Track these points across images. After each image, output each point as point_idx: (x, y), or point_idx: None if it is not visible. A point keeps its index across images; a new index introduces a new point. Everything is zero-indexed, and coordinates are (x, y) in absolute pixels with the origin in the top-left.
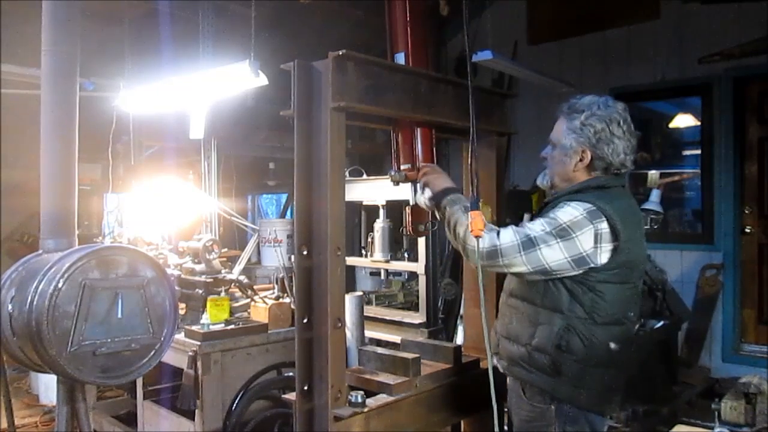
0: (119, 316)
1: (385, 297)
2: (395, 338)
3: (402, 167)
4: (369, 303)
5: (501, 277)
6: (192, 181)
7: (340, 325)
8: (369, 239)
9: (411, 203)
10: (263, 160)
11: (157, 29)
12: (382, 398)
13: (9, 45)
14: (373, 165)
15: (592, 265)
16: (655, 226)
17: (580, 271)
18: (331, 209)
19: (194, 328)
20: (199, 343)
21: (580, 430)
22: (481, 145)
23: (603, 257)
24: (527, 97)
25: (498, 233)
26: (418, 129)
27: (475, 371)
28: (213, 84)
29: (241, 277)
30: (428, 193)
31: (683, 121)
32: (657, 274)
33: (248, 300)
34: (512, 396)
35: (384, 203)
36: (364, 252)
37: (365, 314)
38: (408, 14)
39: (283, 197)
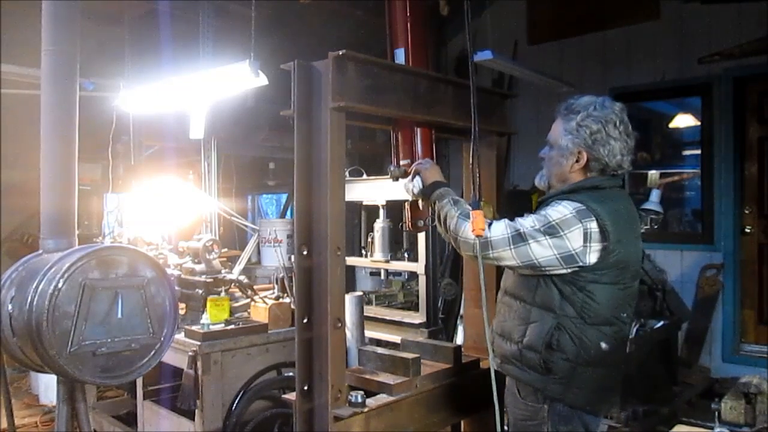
0: (119, 316)
1: (385, 297)
2: (395, 338)
3: (401, 163)
4: (369, 303)
5: (500, 277)
6: (192, 181)
7: (340, 325)
8: (369, 239)
9: (410, 199)
10: (263, 160)
11: (157, 29)
12: (382, 398)
13: (9, 45)
14: (373, 165)
15: (581, 264)
16: (655, 226)
17: (569, 270)
18: (331, 209)
19: (194, 328)
20: (199, 343)
21: (574, 429)
22: (481, 145)
23: (592, 257)
24: (527, 97)
25: (490, 225)
26: (418, 126)
27: (475, 371)
28: (213, 84)
29: (241, 277)
30: (418, 182)
31: (683, 121)
32: (657, 274)
33: (248, 300)
34: (508, 395)
35: (384, 203)
36: (364, 252)
37: (365, 314)
38: (408, 10)
39: (283, 197)
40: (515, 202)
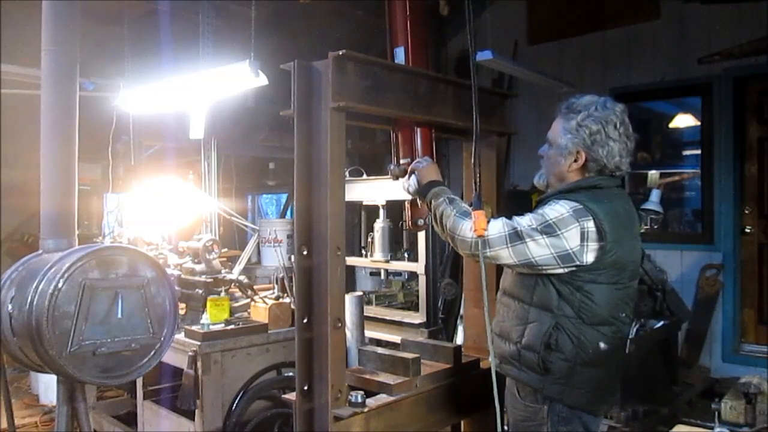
0: (119, 316)
1: (385, 297)
2: (395, 338)
3: (401, 162)
4: (369, 303)
5: (500, 277)
6: (192, 181)
7: (340, 325)
8: (369, 239)
9: (410, 198)
10: (263, 160)
11: (157, 29)
12: (382, 398)
13: (9, 45)
14: (373, 165)
15: (578, 263)
16: (655, 226)
17: (567, 270)
18: (331, 209)
19: (194, 328)
20: (199, 343)
21: (573, 430)
22: (481, 145)
23: (589, 256)
24: (527, 97)
25: (487, 223)
26: (418, 125)
27: (475, 371)
28: (213, 84)
29: (241, 277)
30: (414, 181)
31: (683, 121)
32: (657, 274)
33: (248, 300)
34: (507, 395)
35: (384, 203)
36: (364, 252)
37: (365, 314)
38: (408, 9)
39: (283, 197)
40: (515, 202)
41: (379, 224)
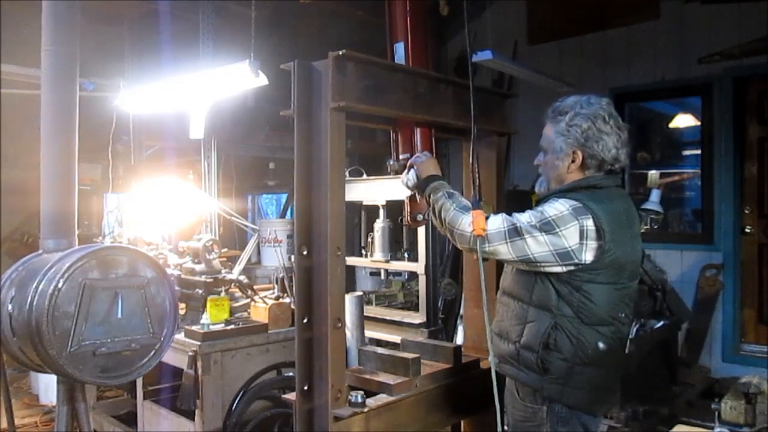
0: (119, 316)
1: (385, 297)
2: (395, 338)
3: (401, 157)
4: (369, 303)
5: (500, 277)
6: (192, 181)
7: (340, 325)
8: (369, 239)
9: (409, 193)
10: (263, 160)
11: (157, 29)
12: (382, 398)
13: (9, 45)
14: (373, 165)
15: (577, 261)
16: (655, 226)
17: (565, 268)
18: (331, 209)
19: (194, 328)
20: (199, 343)
21: (572, 430)
22: (481, 145)
23: (588, 255)
24: (527, 97)
25: (487, 219)
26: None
27: (475, 371)
28: (213, 84)
29: (241, 277)
30: (413, 176)
31: (683, 121)
32: (657, 274)
33: (248, 300)
34: (507, 396)
35: (384, 203)
36: (364, 252)
37: (365, 314)
38: (408, 4)
39: (283, 197)
40: (515, 202)
41: (379, 224)
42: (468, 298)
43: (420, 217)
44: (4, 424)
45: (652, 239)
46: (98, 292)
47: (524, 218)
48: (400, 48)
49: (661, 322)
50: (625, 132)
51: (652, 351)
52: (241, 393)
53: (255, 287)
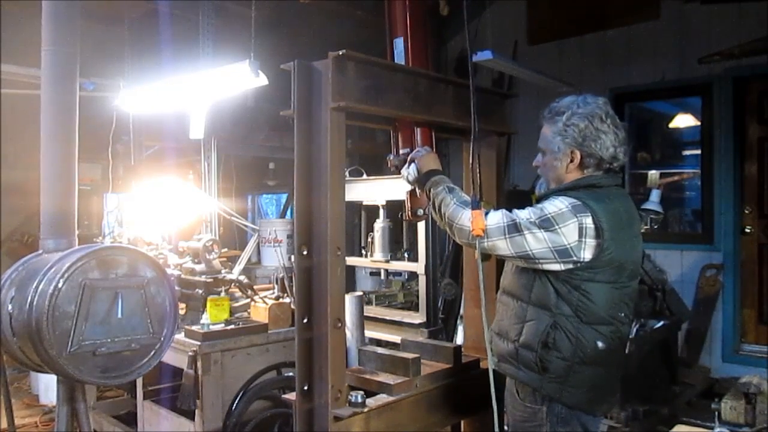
0: (119, 316)
1: (385, 297)
2: (395, 338)
3: (401, 152)
4: (369, 303)
5: (500, 276)
6: (192, 181)
7: (340, 325)
8: (369, 239)
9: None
10: (263, 160)
11: (157, 29)
12: (382, 398)
13: (9, 45)
14: (373, 165)
15: (576, 259)
16: (655, 226)
17: (564, 266)
18: (331, 209)
19: (194, 328)
20: (199, 343)
21: (572, 430)
22: (481, 145)
23: (587, 253)
24: (527, 97)
25: (486, 214)
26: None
27: (475, 371)
28: (213, 84)
29: (241, 277)
30: (413, 170)
31: (683, 121)
32: (657, 274)
33: (248, 300)
34: (507, 396)
35: (384, 203)
36: (364, 252)
37: (365, 314)
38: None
39: (283, 197)
40: (515, 202)
41: (379, 224)
42: (468, 298)
43: (420, 212)
44: (4, 424)
45: (652, 239)
46: (98, 292)
47: (524, 215)
48: (399, 43)
49: (661, 322)
50: (623, 130)
51: (652, 351)
52: (241, 393)
53: (255, 287)
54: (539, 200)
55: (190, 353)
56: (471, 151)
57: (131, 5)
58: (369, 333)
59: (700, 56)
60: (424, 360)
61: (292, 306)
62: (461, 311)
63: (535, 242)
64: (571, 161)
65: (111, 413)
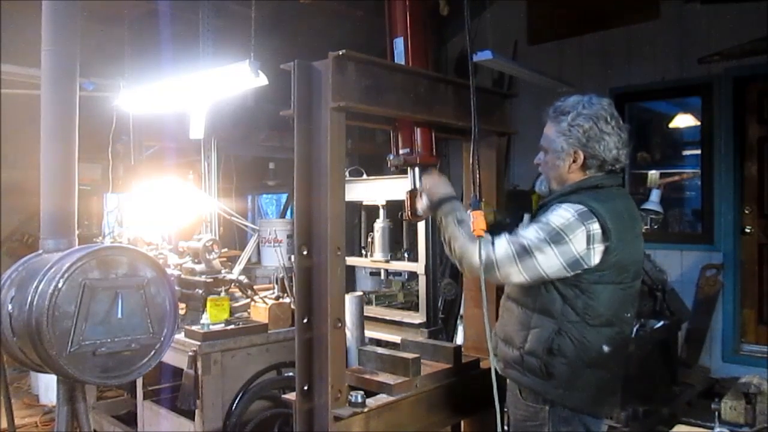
0: (119, 316)
1: (385, 297)
2: (395, 338)
3: (401, 152)
4: (369, 303)
5: None
6: (192, 181)
7: (340, 325)
8: (369, 239)
9: (410, 187)
10: (263, 160)
11: (157, 29)
12: (382, 398)
13: (9, 45)
14: (373, 165)
15: (585, 266)
16: (655, 226)
17: (573, 273)
18: (331, 209)
19: (194, 328)
20: (199, 343)
21: (574, 431)
22: (481, 145)
23: (596, 258)
24: (527, 97)
25: (493, 244)
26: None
27: (475, 371)
28: (213, 84)
29: (241, 277)
30: (425, 200)
31: (683, 121)
32: (657, 274)
33: (248, 300)
34: (509, 396)
35: (384, 203)
36: (364, 252)
37: (365, 314)
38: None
39: (283, 197)
40: (515, 202)
41: (379, 224)
42: (468, 298)
43: (420, 211)
44: (4, 424)
45: (652, 239)
46: (98, 292)
47: (530, 234)
48: (399, 43)
49: (661, 322)
50: (626, 132)
51: (652, 351)
52: (241, 393)
53: (255, 287)
54: (542, 205)
55: (190, 353)
56: (471, 151)
57: (131, 5)
58: (369, 333)
59: (700, 56)
60: (424, 360)
61: (292, 306)
62: (461, 311)
63: (546, 260)
64: (574, 161)
65: (111, 413)
